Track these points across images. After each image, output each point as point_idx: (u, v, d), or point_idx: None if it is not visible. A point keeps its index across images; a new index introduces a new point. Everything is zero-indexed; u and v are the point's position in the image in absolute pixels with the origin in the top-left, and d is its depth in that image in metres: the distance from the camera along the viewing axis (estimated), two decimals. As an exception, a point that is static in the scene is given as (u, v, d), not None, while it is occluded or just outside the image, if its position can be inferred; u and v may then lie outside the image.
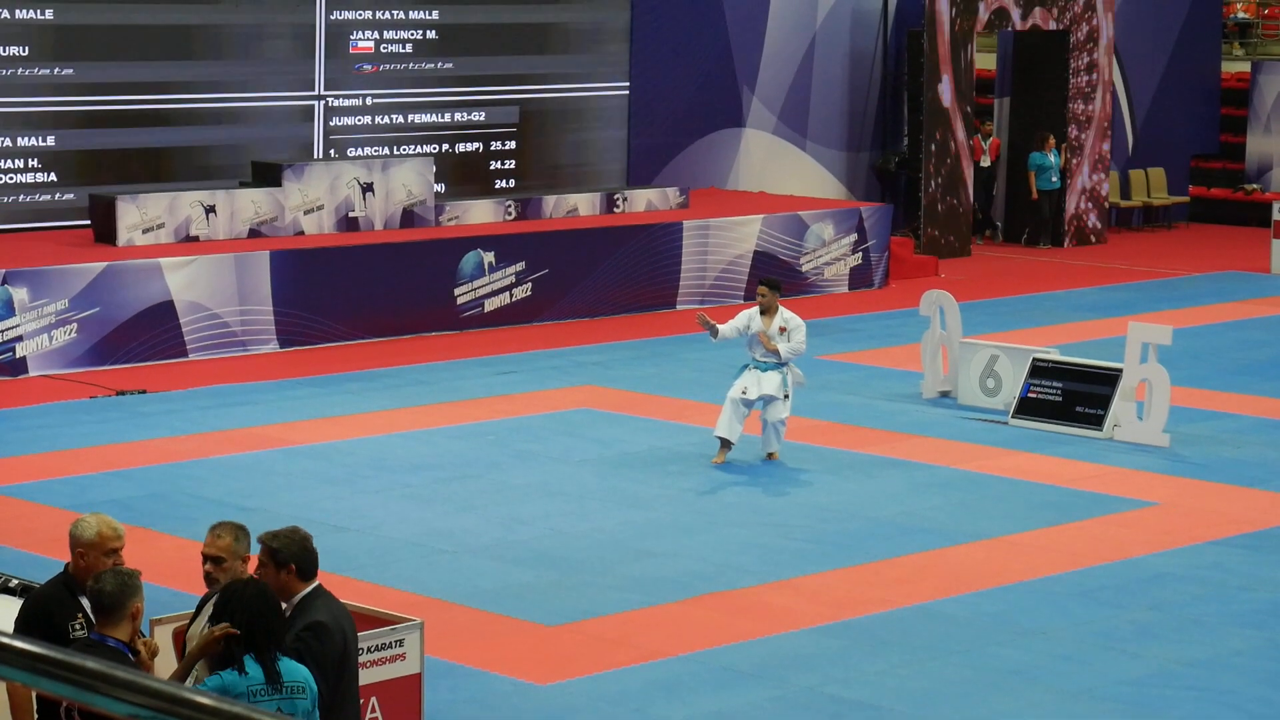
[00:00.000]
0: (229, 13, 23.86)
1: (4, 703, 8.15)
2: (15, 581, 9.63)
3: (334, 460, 16.51)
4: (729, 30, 28.96)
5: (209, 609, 8.02)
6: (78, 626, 7.99)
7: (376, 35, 25.13)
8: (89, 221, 22.04)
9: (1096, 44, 31.09)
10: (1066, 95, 30.89)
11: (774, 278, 18.68)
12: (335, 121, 24.91)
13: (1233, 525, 15.06)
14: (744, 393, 16.37)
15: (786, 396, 16.49)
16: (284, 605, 7.94)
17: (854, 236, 26.48)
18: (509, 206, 24.73)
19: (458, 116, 26.02)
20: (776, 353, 16.49)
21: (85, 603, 7.90)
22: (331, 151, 24.79)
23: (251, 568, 8.15)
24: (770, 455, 16.66)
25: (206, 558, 8.08)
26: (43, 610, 8.12)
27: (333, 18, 24.64)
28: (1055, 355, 18.71)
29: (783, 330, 16.49)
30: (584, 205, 25.37)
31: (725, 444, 16.48)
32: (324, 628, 7.79)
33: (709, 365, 20.20)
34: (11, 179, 22.61)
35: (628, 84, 27.46)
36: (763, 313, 16.60)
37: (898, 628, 12.45)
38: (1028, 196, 30.91)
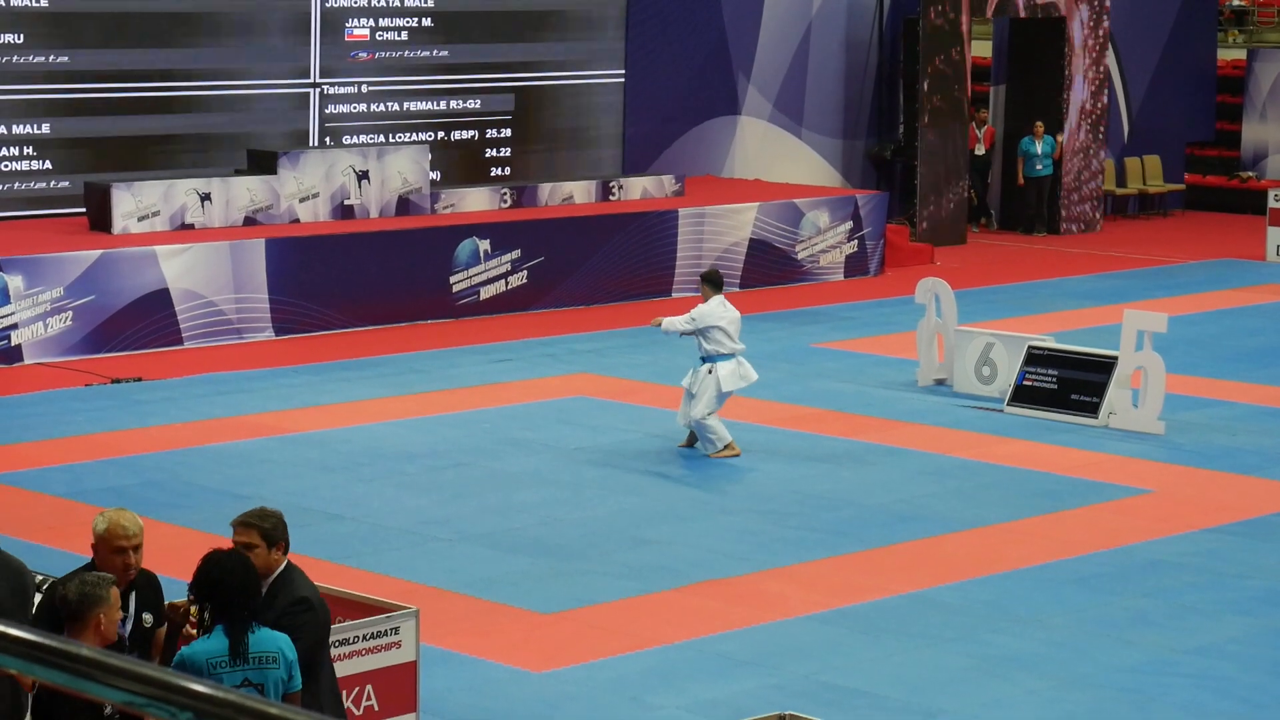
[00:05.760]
0: (224, 0, 23.81)
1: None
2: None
3: (329, 448, 16.51)
4: (725, 18, 28.92)
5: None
6: None
7: (372, 22, 25.10)
8: (84, 209, 22.02)
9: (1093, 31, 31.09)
10: (1062, 83, 30.85)
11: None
12: (331, 109, 24.88)
13: (1228, 512, 15.07)
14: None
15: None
16: (264, 582, 8.11)
17: (849, 224, 26.47)
18: (504, 194, 24.71)
19: (453, 104, 26.00)
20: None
21: None
22: (327, 139, 24.77)
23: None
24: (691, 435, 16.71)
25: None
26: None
27: (328, 5, 24.60)
28: (1051, 343, 18.71)
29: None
30: (580, 193, 25.36)
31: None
32: (309, 603, 8.05)
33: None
34: (6, 166, 22.59)
35: (623, 72, 27.43)
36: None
37: (893, 615, 12.46)
38: (1018, 183, 30.91)
